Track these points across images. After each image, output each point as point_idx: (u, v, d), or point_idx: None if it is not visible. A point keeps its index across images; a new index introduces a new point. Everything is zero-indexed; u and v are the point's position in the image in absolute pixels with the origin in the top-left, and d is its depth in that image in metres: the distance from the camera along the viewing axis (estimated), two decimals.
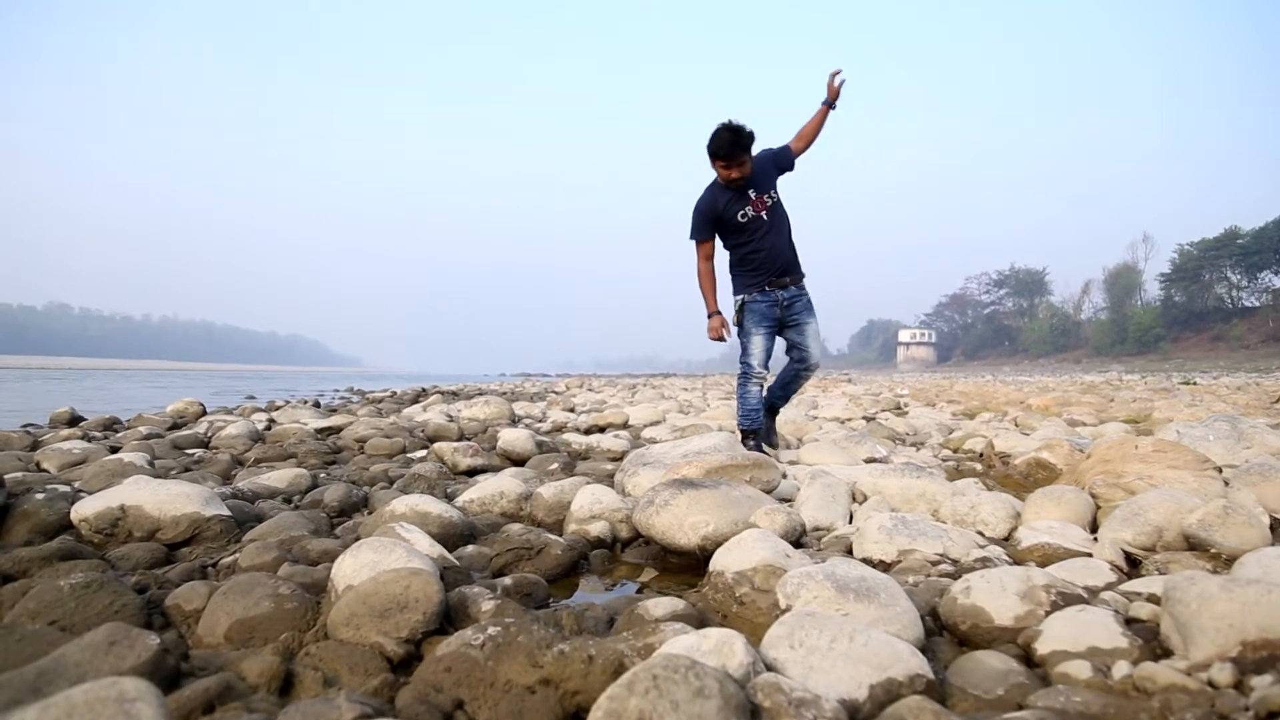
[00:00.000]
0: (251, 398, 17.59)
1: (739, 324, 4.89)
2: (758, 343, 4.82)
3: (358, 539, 2.72)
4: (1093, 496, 2.81)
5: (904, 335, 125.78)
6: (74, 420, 8.12)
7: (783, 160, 4.77)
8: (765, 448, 4.88)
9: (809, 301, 4.83)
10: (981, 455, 4.94)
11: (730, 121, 4.45)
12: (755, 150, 4.62)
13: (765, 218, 4.67)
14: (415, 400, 15.19)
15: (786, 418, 6.65)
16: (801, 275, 4.83)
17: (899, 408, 11.15)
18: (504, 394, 18.24)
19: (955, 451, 5.45)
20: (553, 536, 2.62)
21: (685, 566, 2.63)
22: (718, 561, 2.14)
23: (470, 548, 2.62)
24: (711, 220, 4.73)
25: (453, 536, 2.68)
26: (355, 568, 1.94)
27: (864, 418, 8.41)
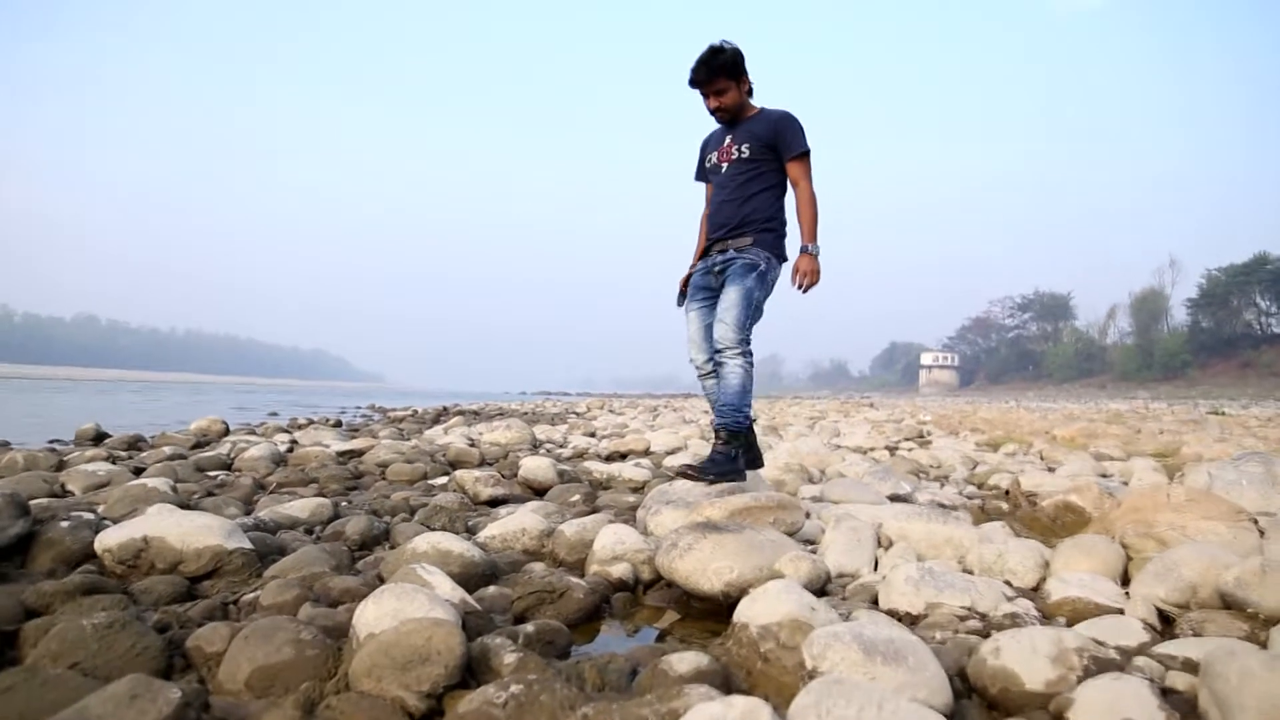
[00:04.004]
0: (274, 414, 17.71)
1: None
2: (689, 322, 3.92)
3: (379, 576, 2.73)
4: (1123, 546, 2.76)
5: (926, 358, 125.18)
6: (99, 437, 8.20)
7: (783, 139, 3.75)
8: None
9: (744, 265, 3.72)
10: (1007, 493, 4.88)
11: (720, 41, 3.72)
12: (773, 106, 3.86)
13: (723, 170, 3.86)
14: (436, 420, 15.25)
15: (808, 448, 6.61)
16: (748, 238, 3.77)
17: (922, 436, 11.08)
18: (525, 414, 18.28)
19: (980, 488, 5.39)
20: (575, 580, 2.60)
21: (708, 611, 2.60)
22: (742, 613, 2.11)
23: (492, 588, 2.61)
24: (700, 160, 4.09)
25: (474, 576, 2.67)
26: (377, 615, 1.93)
27: (887, 448, 8.35)
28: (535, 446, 7.96)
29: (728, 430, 3.64)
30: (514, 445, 7.70)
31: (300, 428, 11.46)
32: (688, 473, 3.57)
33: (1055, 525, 3.73)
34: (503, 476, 5.13)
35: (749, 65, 3.79)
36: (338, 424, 12.86)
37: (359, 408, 24.29)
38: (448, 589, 2.28)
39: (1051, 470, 6.05)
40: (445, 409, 20.42)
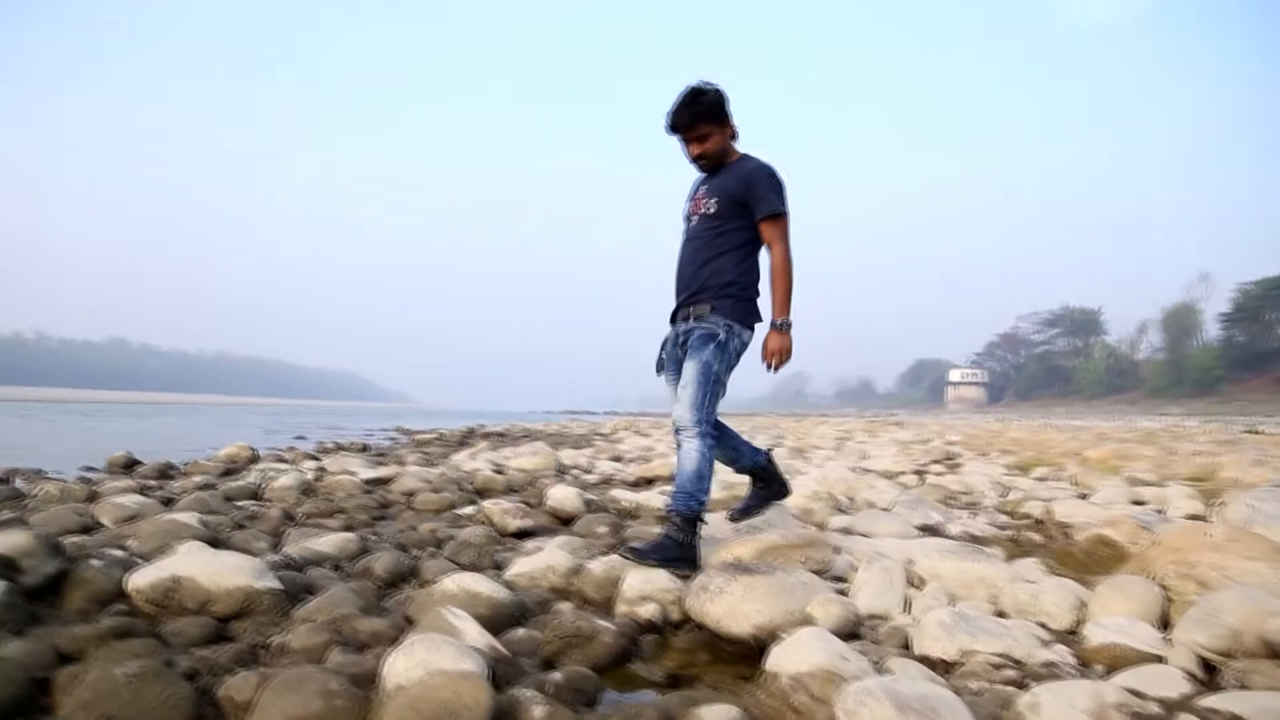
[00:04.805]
0: (301, 438, 17.84)
1: None
2: (668, 396, 3.65)
3: (407, 617, 2.73)
4: (1163, 588, 2.70)
5: (953, 375, 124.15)
6: (130, 465, 8.32)
7: (754, 196, 3.40)
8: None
9: (700, 337, 3.41)
10: (1040, 522, 4.81)
11: (701, 81, 3.41)
12: (753, 153, 3.53)
13: (692, 224, 3.58)
14: (462, 442, 15.30)
15: (836, 475, 6.56)
16: (706, 305, 3.46)
17: (950, 458, 10.96)
18: (550, 436, 18.31)
19: (1011, 516, 5.31)
20: (603, 623, 2.59)
21: (738, 654, 2.58)
22: (773, 661, 2.08)
23: (520, 631, 2.60)
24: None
25: (502, 618, 2.66)
26: (407, 666, 1.92)
27: (915, 472, 8.28)
28: (561, 472, 7.96)
29: (680, 515, 3.28)
30: (540, 472, 7.71)
31: (328, 452, 11.55)
32: (627, 554, 3.22)
33: (1090, 560, 3.66)
34: (529, 506, 5.13)
35: (734, 108, 3.48)
36: (364, 448, 12.95)
37: (385, 430, 24.43)
38: (475, 635, 2.27)
39: (1084, 496, 5.96)
40: (471, 431, 20.49)
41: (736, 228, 3.45)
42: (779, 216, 3.40)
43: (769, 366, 3.42)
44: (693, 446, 3.34)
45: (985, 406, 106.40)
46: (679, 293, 3.59)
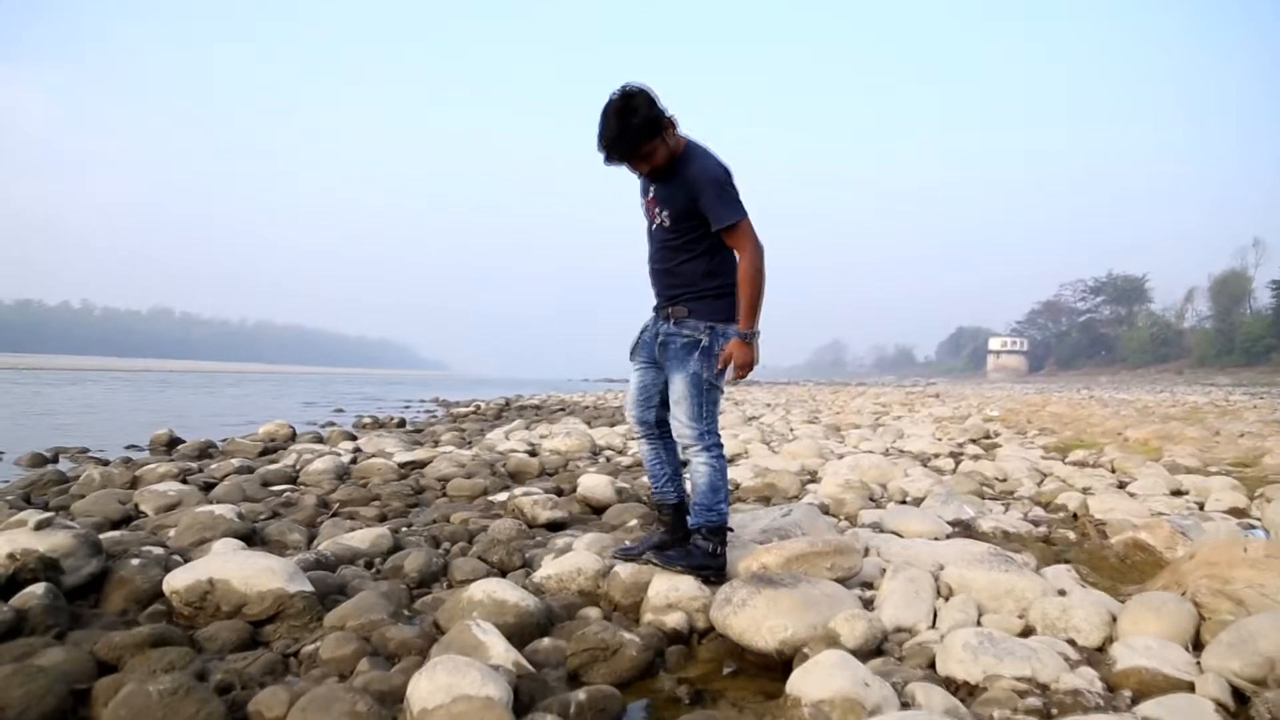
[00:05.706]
0: (340, 410, 18.12)
1: None
2: (630, 379, 3.49)
3: (436, 624, 2.77)
4: (1195, 605, 2.64)
5: (994, 343, 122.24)
6: (172, 443, 8.58)
7: (705, 208, 3.12)
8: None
9: (683, 346, 3.23)
10: (1076, 517, 4.74)
11: (620, 94, 3.01)
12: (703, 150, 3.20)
13: (650, 227, 3.35)
14: (499, 416, 15.48)
15: (869, 461, 6.52)
16: (683, 308, 3.25)
17: (988, 436, 10.85)
18: (586, 408, 18.42)
19: (1046, 508, 5.24)
20: (628, 635, 2.60)
21: (762, 666, 2.59)
22: (795, 685, 2.08)
23: (546, 641, 2.63)
24: None
25: (529, 627, 2.69)
26: (431, 690, 1.95)
27: (951, 454, 8.20)
28: (595, 454, 7.99)
29: (707, 527, 3.21)
30: (574, 453, 7.76)
31: (365, 428, 11.72)
32: (654, 561, 3.16)
33: (1124, 566, 3.60)
34: (560, 495, 5.17)
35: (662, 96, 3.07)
36: (401, 423, 13.12)
37: (422, 401, 24.76)
38: (500, 652, 2.30)
39: (1123, 485, 5.87)
40: (507, 403, 20.70)
41: (696, 236, 3.23)
42: (735, 225, 3.14)
43: (728, 379, 3.25)
44: (701, 461, 3.25)
45: (1026, 375, 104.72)
46: (655, 294, 3.42)
